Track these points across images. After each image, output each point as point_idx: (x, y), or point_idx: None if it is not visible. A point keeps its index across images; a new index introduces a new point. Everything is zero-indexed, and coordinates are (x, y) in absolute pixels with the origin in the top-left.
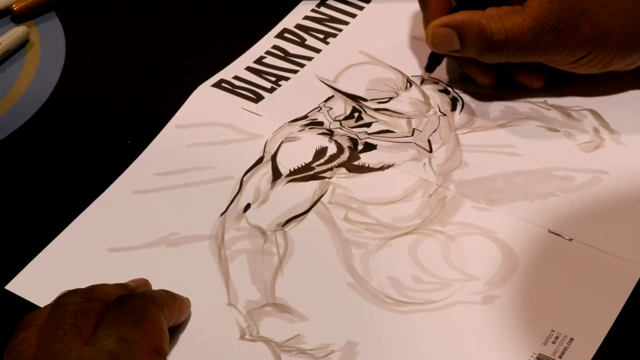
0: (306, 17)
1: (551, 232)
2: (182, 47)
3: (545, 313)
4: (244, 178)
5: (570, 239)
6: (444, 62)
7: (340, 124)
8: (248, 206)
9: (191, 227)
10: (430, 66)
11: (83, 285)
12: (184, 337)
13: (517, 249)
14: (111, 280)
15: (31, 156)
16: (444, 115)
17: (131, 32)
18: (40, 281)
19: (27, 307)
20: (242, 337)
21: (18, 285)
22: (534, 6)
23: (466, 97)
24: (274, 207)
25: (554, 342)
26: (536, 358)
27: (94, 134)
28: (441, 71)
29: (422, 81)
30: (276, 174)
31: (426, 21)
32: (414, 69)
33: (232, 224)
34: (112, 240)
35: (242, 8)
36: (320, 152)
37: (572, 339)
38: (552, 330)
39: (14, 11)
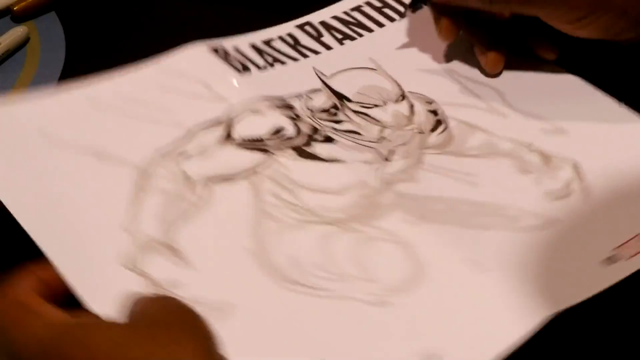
0: (334, 17)
1: (469, 260)
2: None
3: (430, 329)
4: (193, 129)
5: (486, 272)
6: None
7: (312, 113)
8: (186, 155)
9: (122, 150)
10: (415, 2)
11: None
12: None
13: (427, 267)
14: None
15: None
16: (421, 133)
17: (131, 32)
18: None
19: None
20: (124, 266)
21: None
22: None
23: (453, 123)
24: (211, 163)
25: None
26: None
27: None
28: (441, 94)
29: (403, 15)
30: (227, 136)
31: None
32: (415, 86)
33: (163, 162)
34: (46, 125)
35: (244, 7)
36: (277, 131)
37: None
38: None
39: (14, 11)
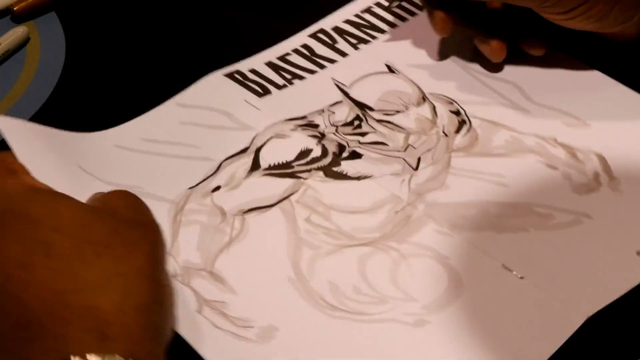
0: (347, 21)
1: (505, 267)
2: (182, 47)
3: (475, 346)
4: (223, 163)
5: (522, 277)
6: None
7: (336, 130)
8: (218, 188)
9: (157, 188)
10: None
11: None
12: None
13: (465, 278)
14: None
15: None
16: (446, 136)
17: (131, 32)
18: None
19: None
20: (175, 277)
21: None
22: None
23: (476, 122)
24: (242, 195)
25: None
26: None
27: None
28: (462, 94)
29: (390, 4)
30: (255, 166)
31: None
32: (434, 86)
33: (196, 198)
34: (84, 163)
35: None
36: (303, 153)
37: None
38: None
39: (14, 11)
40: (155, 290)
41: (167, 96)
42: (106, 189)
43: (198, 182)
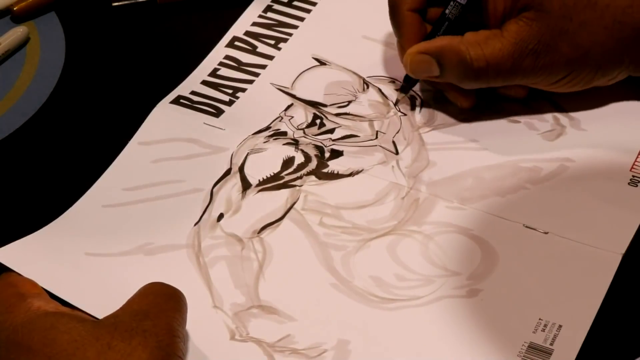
0: (255, 24)
1: (526, 226)
2: (182, 47)
3: (531, 303)
4: (214, 189)
5: (546, 232)
6: (387, 55)
7: (304, 133)
8: (221, 216)
9: (166, 237)
10: (405, 87)
11: (61, 281)
12: None
13: (494, 244)
14: (89, 283)
15: (31, 156)
16: (405, 115)
17: (131, 32)
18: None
19: None
20: (233, 338)
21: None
22: (512, 29)
23: (424, 95)
24: (247, 216)
25: (543, 330)
26: (527, 346)
27: (94, 134)
28: (398, 71)
29: (397, 102)
30: (246, 185)
31: (401, 46)
32: (369, 69)
33: (207, 233)
34: (88, 246)
35: None
36: (287, 162)
37: (560, 326)
38: (540, 319)
39: (14, 11)
40: None
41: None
42: (119, 261)
43: (200, 215)
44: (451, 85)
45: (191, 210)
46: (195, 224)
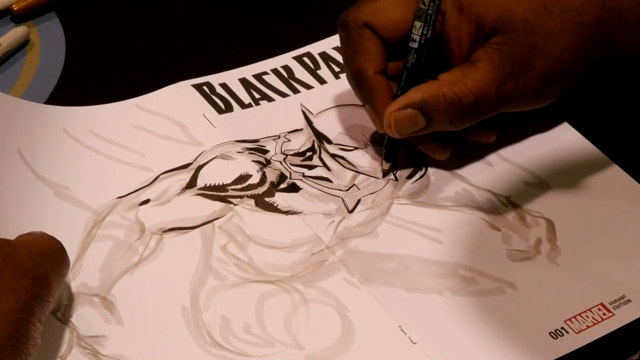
0: (336, 48)
1: (400, 329)
2: (183, 48)
3: None
4: (161, 176)
5: (415, 343)
6: None
7: (285, 158)
8: (147, 201)
9: (84, 193)
10: (389, 155)
11: None
12: None
13: (358, 333)
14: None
15: None
16: (397, 180)
17: (131, 32)
18: None
19: None
20: (54, 313)
21: None
22: (484, 58)
23: (432, 169)
24: (168, 212)
25: None
26: None
27: None
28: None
29: (385, 174)
30: (191, 184)
31: (374, 112)
32: None
33: (120, 210)
34: (25, 147)
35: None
36: (242, 178)
37: None
38: None
39: (14, 11)
40: (15, 338)
41: None
42: (37, 185)
43: (129, 192)
44: (427, 138)
45: (127, 183)
46: (118, 197)
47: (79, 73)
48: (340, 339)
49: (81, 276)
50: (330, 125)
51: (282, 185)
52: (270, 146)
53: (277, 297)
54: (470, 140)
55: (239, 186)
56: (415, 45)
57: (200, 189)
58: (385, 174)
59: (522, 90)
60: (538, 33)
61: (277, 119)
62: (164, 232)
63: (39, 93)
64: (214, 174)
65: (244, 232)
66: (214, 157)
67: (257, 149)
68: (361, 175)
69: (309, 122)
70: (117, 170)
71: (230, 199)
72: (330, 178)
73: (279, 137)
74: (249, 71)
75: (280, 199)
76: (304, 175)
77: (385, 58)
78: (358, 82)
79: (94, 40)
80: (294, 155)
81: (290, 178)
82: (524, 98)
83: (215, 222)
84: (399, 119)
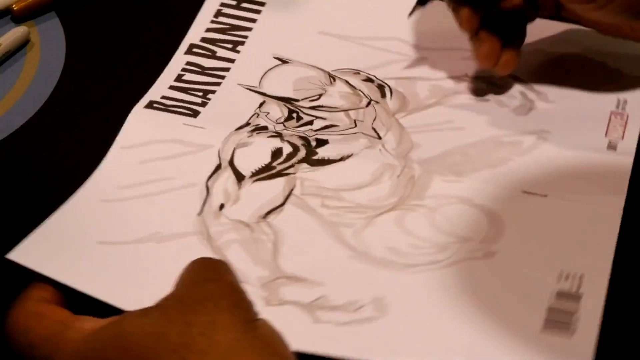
0: (209, 30)
1: (525, 192)
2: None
3: (548, 258)
4: (208, 183)
5: (545, 195)
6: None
7: (284, 126)
8: (222, 206)
9: (172, 227)
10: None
11: (80, 273)
12: None
13: (498, 210)
14: (108, 273)
15: (31, 156)
16: (377, 102)
17: (131, 32)
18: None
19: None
20: (269, 304)
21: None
22: None
23: (391, 82)
24: (248, 204)
25: (566, 279)
26: (556, 294)
27: (94, 134)
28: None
29: (411, 12)
30: (239, 176)
31: None
32: (331, 63)
33: (212, 221)
34: (98, 236)
35: None
36: (276, 153)
37: (582, 275)
38: (561, 270)
39: (14, 11)
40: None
41: None
42: (133, 249)
43: (200, 207)
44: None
45: (190, 203)
46: (198, 214)
47: (79, 73)
48: (490, 222)
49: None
50: (279, 88)
51: (313, 143)
52: (263, 123)
53: (408, 216)
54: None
55: (281, 159)
56: None
57: (252, 176)
58: (410, 14)
59: None
60: None
61: (237, 103)
62: (263, 217)
63: (39, 93)
64: (249, 161)
65: (326, 187)
66: (234, 149)
67: (257, 128)
68: (351, 111)
69: (262, 94)
70: (171, 200)
71: (286, 171)
72: (333, 124)
73: (257, 114)
74: (168, 79)
75: (325, 152)
76: (314, 131)
77: None
78: None
79: (94, 40)
80: (287, 121)
81: (309, 137)
82: None
83: (294, 191)
84: None
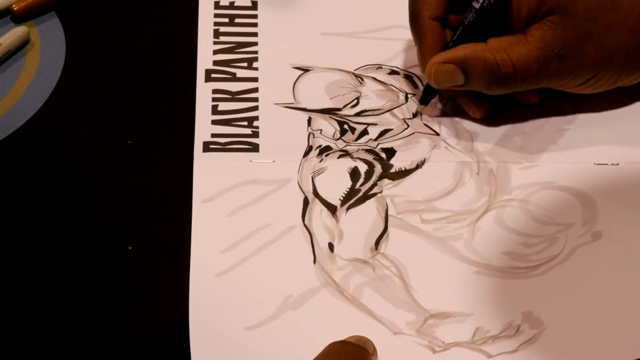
0: (216, 52)
1: (597, 164)
2: (182, 47)
3: None
4: (305, 222)
5: (617, 164)
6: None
7: (344, 142)
8: (331, 245)
9: (297, 285)
10: (425, 98)
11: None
12: None
13: (581, 187)
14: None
15: (31, 156)
16: (414, 95)
17: (131, 32)
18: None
19: None
20: (435, 352)
21: None
22: (536, 34)
23: (414, 70)
24: (353, 237)
25: None
26: None
27: (94, 134)
28: (378, 56)
29: (415, 114)
30: (331, 208)
31: (422, 54)
32: (350, 63)
33: (331, 267)
34: (239, 322)
35: None
36: (354, 173)
37: None
38: None
39: (14, 11)
40: None
41: (168, 96)
42: (275, 325)
43: (312, 252)
44: (466, 94)
45: (300, 249)
46: (314, 262)
47: (79, 73)
48: (580, 201)
49: (399, 323)
50: (315, 100)
51: (383, 155)
52: (324, 143)
53: (504, 213)
54: (516, 98)
55: (362, 179)
56: (477, 5)
57: (343, 204)
58: (415, 115)
59: (566, 73)
60: (597, 22)
61: (285, 126)
62: (375, 249)
63: (39, 93)
64: (332, 188)
65: (417, 201)
66: (312, 177)
67: (323, 150)
68: (395, 109)
69: (305, 110)
70: (280, 251)
71: (372, 192)
72: (387, 127)
73: (314, 135)
74: (205, 113)
75: (398, 163)
76: (373, 140)
77: (446, 6)
78: (412, 23)
79: (94, 40)
80: (343, 135)
81: (374, 148)
82: (566, 80)
83: (389, 212)
84: (439, 72)
